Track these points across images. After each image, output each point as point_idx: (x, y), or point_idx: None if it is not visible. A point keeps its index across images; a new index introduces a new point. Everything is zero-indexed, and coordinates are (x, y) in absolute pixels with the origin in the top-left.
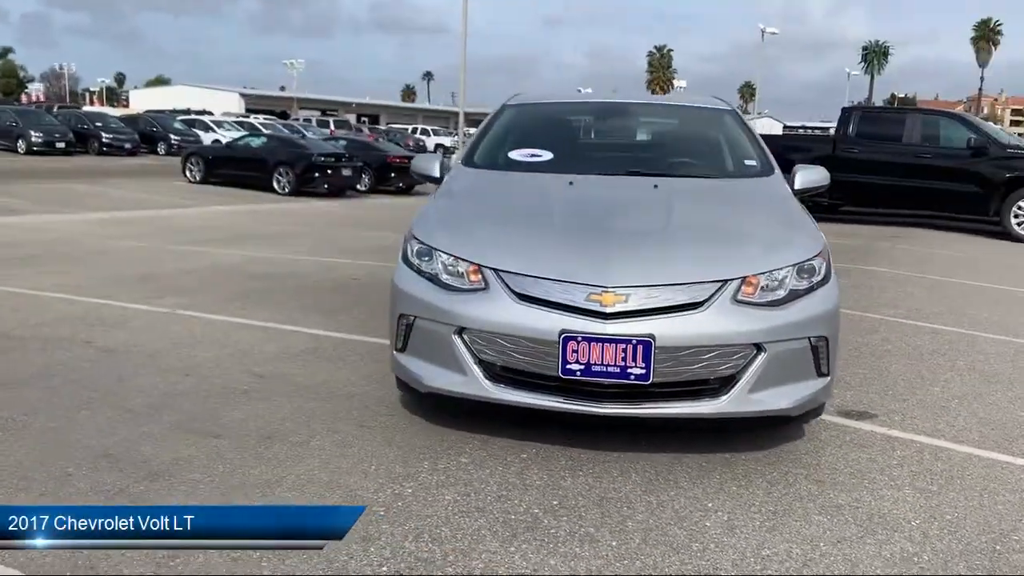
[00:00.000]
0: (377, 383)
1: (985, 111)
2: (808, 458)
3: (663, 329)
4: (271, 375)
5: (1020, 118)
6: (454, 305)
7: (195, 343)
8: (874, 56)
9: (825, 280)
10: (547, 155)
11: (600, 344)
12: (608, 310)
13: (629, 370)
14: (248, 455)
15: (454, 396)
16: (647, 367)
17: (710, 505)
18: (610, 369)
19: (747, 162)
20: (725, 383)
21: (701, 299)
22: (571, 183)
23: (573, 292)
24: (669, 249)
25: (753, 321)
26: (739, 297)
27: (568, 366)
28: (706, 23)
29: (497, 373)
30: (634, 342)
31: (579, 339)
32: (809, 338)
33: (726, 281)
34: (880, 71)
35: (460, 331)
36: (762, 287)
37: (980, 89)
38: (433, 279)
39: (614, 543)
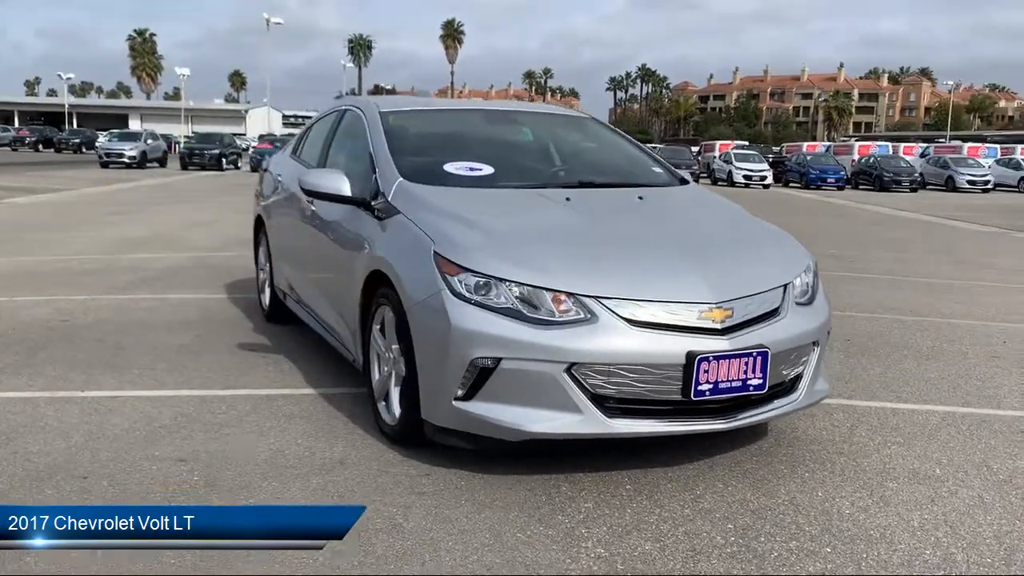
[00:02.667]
0: (342, 441)
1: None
2: (803, 434)
3: (768, 337)
4: (194, 458)
5: None
6: (557, 340)
7: (14, 434)
8: (359, 48)
9: (817, 276)
10: (487, 169)
11: (727, 361)
12: (720, 326)
13: (748, 382)
14: (346, 557)
15: (568, 439)
16: (764, 376)
17: (820, 495)
18: (733, 384)
19: (655, 169)
20: (795, 380)
21: (777, 304)
22: (568, 199)
23: (681, 311)
24: (731, 260)
25: (812, 320)
26: (795, 300)
27: (700, 387)
28: (182, 9)
29: (611, 406)
30: (754, 354)
31: (710, 359)
32: (828, 329)
33: (786, 286)
34: (367, 63)
35: (570, 367)
36: (797, 288)
37: (452, 83)
38: (516, 314)
39: (827, 549)
